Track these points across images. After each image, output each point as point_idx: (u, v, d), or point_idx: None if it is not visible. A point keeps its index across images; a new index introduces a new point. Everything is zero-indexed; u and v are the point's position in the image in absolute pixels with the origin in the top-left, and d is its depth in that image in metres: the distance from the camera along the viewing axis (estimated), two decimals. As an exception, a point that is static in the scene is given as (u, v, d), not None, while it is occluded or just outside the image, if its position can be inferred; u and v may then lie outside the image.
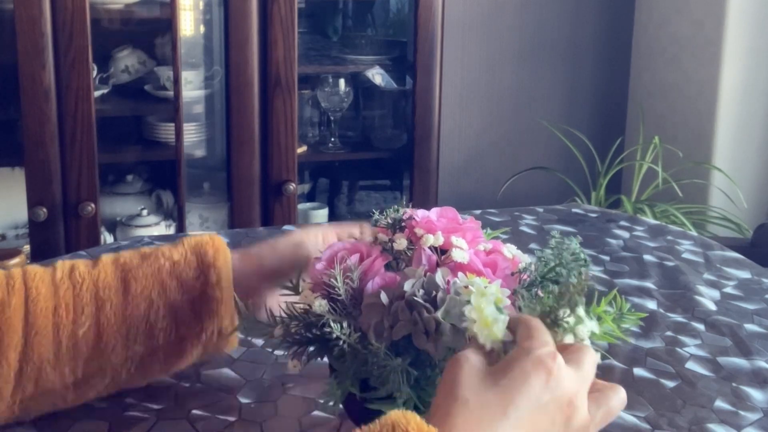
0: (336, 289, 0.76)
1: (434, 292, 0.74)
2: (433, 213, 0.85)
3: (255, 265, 0.92)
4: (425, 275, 0.75)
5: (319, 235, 0.93)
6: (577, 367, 0.66)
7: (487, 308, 0.70)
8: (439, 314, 0.72)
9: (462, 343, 0.72)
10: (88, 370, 0.85)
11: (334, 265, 0.79)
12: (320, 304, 0.77)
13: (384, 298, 0.74)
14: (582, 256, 0.85)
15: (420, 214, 0.85)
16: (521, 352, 0.65)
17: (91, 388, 0.86)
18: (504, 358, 0.67)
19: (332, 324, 0.74)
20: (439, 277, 0.74)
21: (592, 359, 0.68)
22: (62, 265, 0.87)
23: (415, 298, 0.73)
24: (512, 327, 0.68)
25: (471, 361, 0.66)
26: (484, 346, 0.68)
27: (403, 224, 0.85)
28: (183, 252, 0.89)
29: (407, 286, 0.74)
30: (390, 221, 0.86)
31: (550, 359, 0.64)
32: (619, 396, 0.68)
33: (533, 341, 0.65)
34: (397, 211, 0.86)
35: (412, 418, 0.60)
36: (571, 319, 0.72)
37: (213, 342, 0.90)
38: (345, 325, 0.75)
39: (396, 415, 0.61)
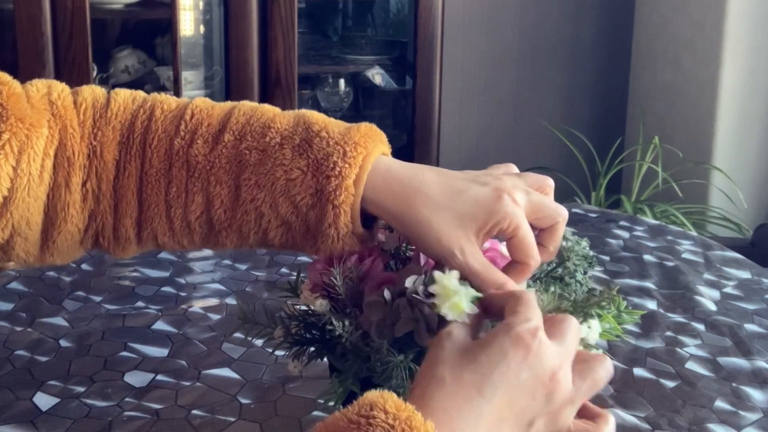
0: (336, 288, 0.76)
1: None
2: None
3: (407, 210, 0.74)
4: (426, 273, 0.75)
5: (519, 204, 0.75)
6: (560, 340, 0.64)
7: (449, 281, 0.70)
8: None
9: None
10: (205, 244, 0.80)
11: (333, 265, 0.79)
12: (321, 304, 0.77)
13: (387, 295, 0.74)
14: (590, 253, 0.86)
15: None
16: (501, 329, 0.63)
17: (215, 249, 0.83)
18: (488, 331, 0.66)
19: (334, 322, 0.74)
20: (439, 273, 0.74)
21: (575, 331, 0.66)
22: (186, 128, 0.78)
23: (416, 295, 0.73)
24: (503, 300, 0.67)
25: (453, 336, 0.65)
26: (472, 323, 0.67)
27: None
28: (303, 169, 0.74)
29: (408, 283, 0.74)
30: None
31: (529, 335, 0.62)
32: (604, 366, 0.66)
33: (516, 317, 0.64)
34: None
35: (389, 397, 0.59)
36: (584, 328, 0.73)
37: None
38: (347, 323, 0.75)
39: (373, 394, 0.60)
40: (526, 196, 0.76)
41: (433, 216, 0.73)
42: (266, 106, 0.81)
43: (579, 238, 0.86)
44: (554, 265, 0.84)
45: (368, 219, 0.77)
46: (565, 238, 0.85)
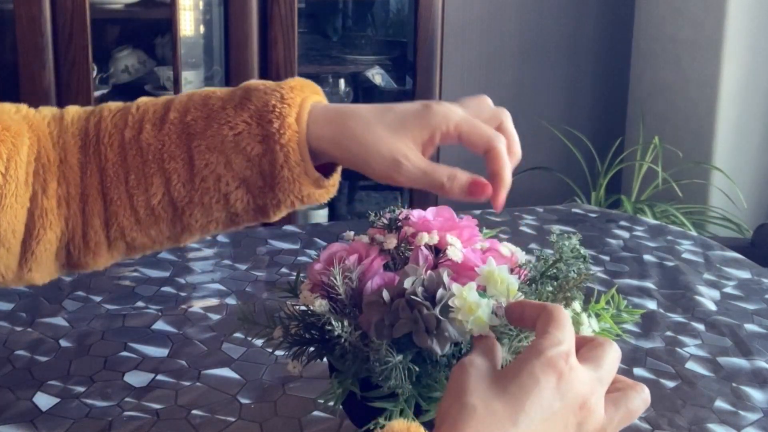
0: (336, 288, 0.76)
1: (434, 290, 0.74)
2: (430, 212, 0.86)
3: (342, 131, 0.79)
4: (425, 273, 0.75)
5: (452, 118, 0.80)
6: (595, 366, 0.62)
7: (469, 294, 0.70)
8: (437, 311, 0.72)
9: (464, 338, 0.72)
10: (174, 230, 0.81)
11: (333, 265, 0.79)
12: (320, 304, 0.77)
13: (385, 296, 0.74)
14: (582, 252, 0.85)
15: (416, 214, 0.85)
16: (531, 353, 0.61)
17: (185, 239, 0.83)
18: (512, 359, 0.65)
19: (333, 322, 0.74)
20: (437, 274, 0.74)
21: (613, 356, 0.64)
22: (133, 119, 0.81)
23: (415, 296, 0.73)
24: (535, 315, 0.65)
25: (476, 365, 0.63)
26: (491, 350, 0.66)
27: (399, 224, 0.85)
28: (247, 120, 0.77)
29: (407, 284, 0.74)
30: (386, 222, 0.86)
31: (561, 360, 0.60)
32: (641, 396, 0.64)
33: (546, 339, 0.62)
34: (393, 211, 0.87)
35: (416, 430, 0.58)
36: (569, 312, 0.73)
37: (299, 204, 0.81)
38: (346, 323, 0.75)
39: (399, 425, 0.59)
40: (461, 112, 0.80)
41: (368, 131, 0.77)
42: (207, 88, 0.84)
43: (570, 236, 0.86)
44: (548, 265, 0.84)
45: (324, 169, 0.81)
46: (557, 237, 0.85)
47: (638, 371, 1.07)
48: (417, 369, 0.74)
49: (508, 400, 0.59)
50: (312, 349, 0.81)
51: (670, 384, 1.04)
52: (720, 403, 1.00)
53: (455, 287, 0.71)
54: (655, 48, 2.91)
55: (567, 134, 2.92)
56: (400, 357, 0.73)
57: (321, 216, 2.64)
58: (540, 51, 3.05)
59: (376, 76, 2.69)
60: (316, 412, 0.95)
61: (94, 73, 2.26)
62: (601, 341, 0.65)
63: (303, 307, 0.80)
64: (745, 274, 1.37)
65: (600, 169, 2.82)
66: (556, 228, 0.85)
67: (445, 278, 0.74)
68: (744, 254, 1.46)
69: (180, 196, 0.79)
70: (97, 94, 2.27)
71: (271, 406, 0.96)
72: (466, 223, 0.86)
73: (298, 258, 1.33)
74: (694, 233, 1.63)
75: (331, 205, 2.78)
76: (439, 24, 2.45)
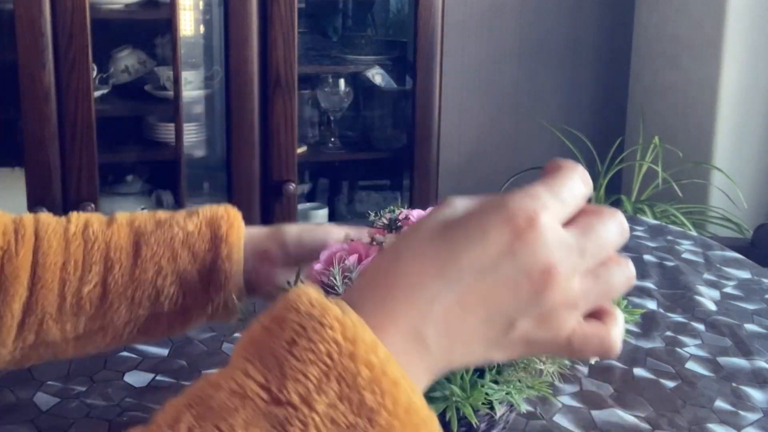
0: (336, 288, 0.76)
1: None
2: (417, 213, 0.86)
3: (276, 243, 0.90)
4: None
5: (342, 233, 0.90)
6: (581, 233, 0.51)
7: None
8: None
9: None
10: (90, 328, 0.84)
11: (333, 265, 0.79)
12: None
13: None
14: None
15: (416, 213, 0.85)
16: (494, 202, 0.50)
17: (91, 344, 0.86)
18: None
19: None
20: None
21: (611, 228, 0.52)
22: (77, 219, 0.86)
23: None
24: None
25: (455, 204, 0.53)
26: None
27: (399, 224, 0.85)
28: (197, 223, 0.87)
29: None
30: (386, 222, 0.86)
31: (522, 216, 0.49)
32: (622, 270, 0.53)
33: (521, 191, 0.51)
34: (393, 211, 0.87)
35: (304, 293, 0.50)
36: None
37: (218, 313, 0.88)
38: None
39: (291, 293, 0.51)
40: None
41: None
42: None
43: None
44: None
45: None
46: None
47: (638, 371, 1.07)
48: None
49: (445, 246, 0.50)
50: None
51: (670, 384, 1.04)
52: (720, 403, 1.00)
53: None
54: (655, 48, 2.91)
55: (567, 134, 2.92)
56: None
57: (321, 216, 2.64)
58: (540, 51, 3.05)
59: (376, 76, 2.69)
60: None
61: (94, 73, 2.26)
62: (601, 209, 0.53)
63: None
64: (745, 274, 1.37)
65: (600, 169, 2.82)
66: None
67: None
68: (744, 254, 1.46)
69: (115, 287, 0.83)
70: (97, 94, 2.27)
71: (271, 406, 0.96)
72: None
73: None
74: (694, 233, 1.63)
75: (331, 205, 2.78)
76: (439, 24, 2.45)
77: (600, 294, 0.52)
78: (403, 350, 0.49)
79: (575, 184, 0.52)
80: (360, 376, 0.46)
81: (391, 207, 0.88)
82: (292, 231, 0.91)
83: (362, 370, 0.46)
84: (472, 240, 0.50)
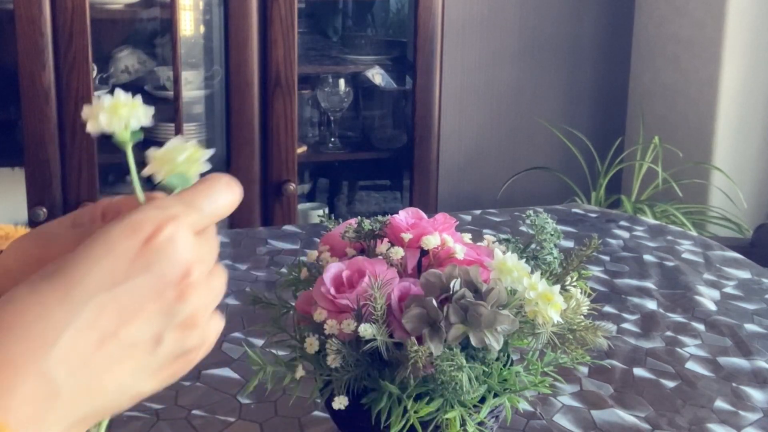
0: (375, 309, 0.75)
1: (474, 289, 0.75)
2: (402, 215, 0.87)
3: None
4: (457, 273, 0.76)
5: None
6: (201, 240, 0.48)
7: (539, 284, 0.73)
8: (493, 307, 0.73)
9: (516, 327, 0.73)
10: None
11: (342, 286, 0.79)
12: (365, 329, 0.75)
13: (433, 304, 0.74)
14: (557, 228, 0.88)
15: (402, 215, 0.87)
16: (116, 218, 0.46)
17: None
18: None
19: (409, 344, 0.73)
20: (474, 271, 0.75)
21: (214, 242, 0.49)
22: None
23: (468, 299, 0.73)
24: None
25: (48, 227, 0.48)
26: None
27: (377, 234, 0.86)
28: None
29: (457, 286, 0.74)
30: (356, 234, 0.86)
31: (149, 224, 0.45)
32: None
33: (146, 205, 0.47)
34: (361, 222, 0.87)
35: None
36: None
37: None
38: (413, 343, 0.74)
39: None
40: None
41: None
42: None
43: (545, 215, 0.88)
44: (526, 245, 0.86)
45: None
46: (537, 222, 0.87)
47: (638, 371, 1.07)
48: (484, 368, 0.76)
49: (66, 271, 0.43)
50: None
51: (670, 384, 1.04)
52: (720, 403, 1.00)
53: (506, 281, 0.74)
54: (655, 48, 2.91)
55: (567, 134, 2.92)
56: (463, 359, 0.73)
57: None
58: (540, 51, 3.05)
59: (376, 76, 2.69)
60: (316, 412, 0.95)
61: (94, 73, 2.26)
62: (210, 176, 0.50)
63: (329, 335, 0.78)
64: (745, 274, 1.37)
65: (600, 169, 2.82)
66: (530, 210, 0.87)
67: (475, 274, 0.75)
68: (744, 254, 1.46)
69: None
70: (97, 94, 2.27)
71: (271, 406, 0.96)
72: (441, 220, 0.87)
73: (298, 258, 1.33)
74: (694, 233, 1.63)
75: (331, 205, 2.78)
76: (439, 24, 2.45)
77: (218, 288, 0.48)
78: (32, 401, 0.41)
79: (216, 193, 0.49)
80: None
81: (360, 218, 0.88)
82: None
83: None
84: (97, 257, 0.44)
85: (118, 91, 0.53)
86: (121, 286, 0.44)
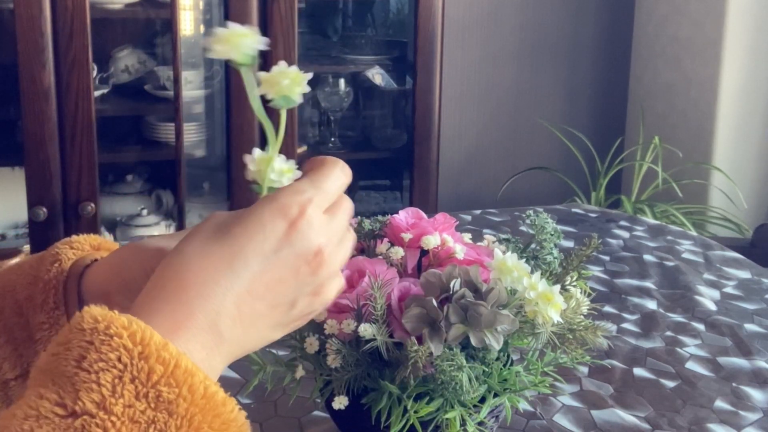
0: (375, 307, 0.75)
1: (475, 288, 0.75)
2: (402, 215, 0.87)
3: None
4: (457, 273, 0.76)
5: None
6: (331, 217, 0.59)
7: (538, 283, 0.74)
8: (494, 307, 0.73)
9: (516, 327, 0.73)
10: None
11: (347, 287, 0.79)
12: (365, 329, 0.75)
13: (433, 304, 0.74)
14: (557, 228, 0.88)
15: (402, 215, 0.87)
16: (266, 199, 0.57)
17: None
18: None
19: (410, 344, 0.73)
20: (474, 271, 0.75)
21: (346, 208, 0.61)
22: None
23: (468, 299, 0.73)
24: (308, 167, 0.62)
25: (218, 215, 0.58)
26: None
27: (376, 234, 0.86)
28: (30, 263, 0.73)
29: (456, 286, 0.74)
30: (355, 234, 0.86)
31: (295, 207, 0.56)
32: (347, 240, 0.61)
33: (288, 187, 0.58)
34: (362, 221, 0.87)
35: (89, 312, 0.51)
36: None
37: None
38: (413, 342, 0.74)
39: (77, 315, 0.51)
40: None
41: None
42: None
43: (545, 215, 0.88)
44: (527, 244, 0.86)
45: None
46: (537, 222, 0.87)
47: (638, 371, 1.07)
48: (483, 368, 0.76)
49: (228, 242, 0.55)
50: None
51: (670, 384, 1.04)
52: (720, 403, 1.00)
53: (507, 280, 0.74)
54: (655, 48, 2.91)
55: (567, 134, 2.92)
56: (464, 360, 0.73)
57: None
58: (540, 51, 3.05)
59: (376, 76, 2.69)
60: (316, 412, 0.95)
61: (94, 73, 2.26)
62: (323, 159, 0.62)
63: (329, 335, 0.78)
64: (745, 274, 1.37)
65: (600, 169, 2.82)
66: (530, 211, 0.87)
67: (475, 274, 0.75)
68: (744, 254, 1.46)
69: None
70: (97, 94, 2.27)
71: (271, 406, 0.96)
72: (442, 219, 0.87)
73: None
74: (694, 233, 1.63)
75: (331, 205, 2.78)
76: (439, 24, 2.45)
77: (346, 251, 0.60)
78: (201, 343, 0.53)
79: (335, 175, 0.61)
80: (154, 372, 0.49)
81: (360, 217, 0.88)
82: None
83: (156, 367, 0.49)
84: (253, 233, 0.55)
85: (232, 24, 0.60)
86: (272, 260, 0.55)
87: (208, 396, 0.51)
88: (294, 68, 0.63)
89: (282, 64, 0.62)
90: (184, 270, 0.54)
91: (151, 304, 0.53)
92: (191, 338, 0.53)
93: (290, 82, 0.62)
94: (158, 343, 0.50)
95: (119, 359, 0.49)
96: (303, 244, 0.56)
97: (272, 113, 0.63)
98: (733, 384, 1.04)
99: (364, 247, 0.87)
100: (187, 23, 2.47)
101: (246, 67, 0.60)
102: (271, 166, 0.61)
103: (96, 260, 0.72)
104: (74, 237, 0.74)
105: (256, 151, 0.62)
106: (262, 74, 0.61)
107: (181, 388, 0.50)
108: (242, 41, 0.60)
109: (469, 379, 0.74)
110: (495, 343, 0.73)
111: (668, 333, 1.16)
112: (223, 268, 0.54)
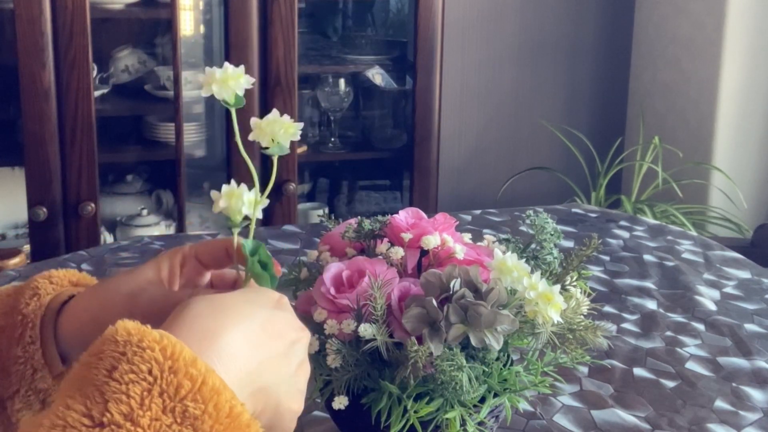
0: (375, 308, 0.75)
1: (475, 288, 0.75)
2: (402, 215, 0.87)
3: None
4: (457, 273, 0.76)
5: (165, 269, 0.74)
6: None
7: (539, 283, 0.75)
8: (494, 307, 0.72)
9: (516, 326, 0.73)
10: None
11: (341, 286, 0.79)
12: (365, 329, 0.75)
13: (433, 304, 0.74)
14: (557, 228, 0.88)
15: (402, 215, 0.87)
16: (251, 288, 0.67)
17: None
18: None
19: (410, 344, 0.73)
20: (474, 271, 0.75)
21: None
22: None
23: (468, 299, 0.73)
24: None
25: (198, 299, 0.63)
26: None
27: (377, 233, 0.86)
28: (7, 292, 0.73)
29: (456, 286, 0.74)
30: (356, 234, 0.86)
31: (272, 294, 0.65)
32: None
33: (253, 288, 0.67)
34: (362, 222, 0.87)
35: (123, 325, 0.53)
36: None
37: (37, 398, 0.69)
38: (413, 342, 0.74)
39: (110, 329, 0.53)
40: None
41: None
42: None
43: (545, 215, 0.88)
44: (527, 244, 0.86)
45: None
46: (537, 222, 0.87)
47: (638, 371, 1.07)
48: (484, 368, 0.76)
49: (240, 299, 0.62)
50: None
51: (670, 384, 1.04)
52: (720, 403, 1.00)
53: (505, 281, 0.75)
54: (655, 48, 2.91)
55: (567, 134, 2.92)
56: (464, 360, 0.73)
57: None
58: (540, 51, 3.05)
59: (376, 76, 2.69)
60: (316, 412, 0.95)
61: (94, 73, 2.26)
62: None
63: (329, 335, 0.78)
64: (745, 274, 1.37)
65: (600, 169, 2.82)
66: (530, 210, 0.87)
67: (475, 274, 0.75)
68: (744, 254, 1.46)
69: None
70: (97, 94, 2.27)
71: (271, 406, 0.96)
72: (442, 219, 0.87)
73: (298, 258, 1.33)
74: (694, 233, 1.63)
75: (331, 205, 2.78)
76: (439, 24, 2.45)
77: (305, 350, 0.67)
78: (223, 370, 0.56)
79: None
80: (182, 387, 0.51)
81: (360, 218, 0.88)
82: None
83: (184, 383, 0.51)
84: (254, 296, 0.63)
85: (227, 65, 0.65)
86: (271, 314, 0.61)
87: (233, 416, 0.52)
88: (286, 117, 0.65)
89: (275, 113, 0.64)
90: (199, 307, 0.59)
91: (181, 331, 0.57)
92: (218, 361, 0.56)
93: (284, 133, 0.64)
94: (187, 359, 0.52)
95: (150, 372, 0.51)
96: (288, 316, 0.63)
97: (258, 154, 0.66)
98: (733, 384, 1.04)
99: (365, 247, 0.87)
100: (187, 23, 2.47)
101: (234, 108, 0.63)
102: (240, 199, 0.65)
103: (73, 296, 0.71)
104: (53, 271, 0.74)
105: (224, 187, 0.66)
106: (255, 121, 0.64)
107: (207, 405, 0.51)
108: (235, 83, 0.63)
109: (469, 379, 0.74)
110: (495, 343, 0.73)
111: (668, 333, 1.16)
112: (246, 310, 0.60)
